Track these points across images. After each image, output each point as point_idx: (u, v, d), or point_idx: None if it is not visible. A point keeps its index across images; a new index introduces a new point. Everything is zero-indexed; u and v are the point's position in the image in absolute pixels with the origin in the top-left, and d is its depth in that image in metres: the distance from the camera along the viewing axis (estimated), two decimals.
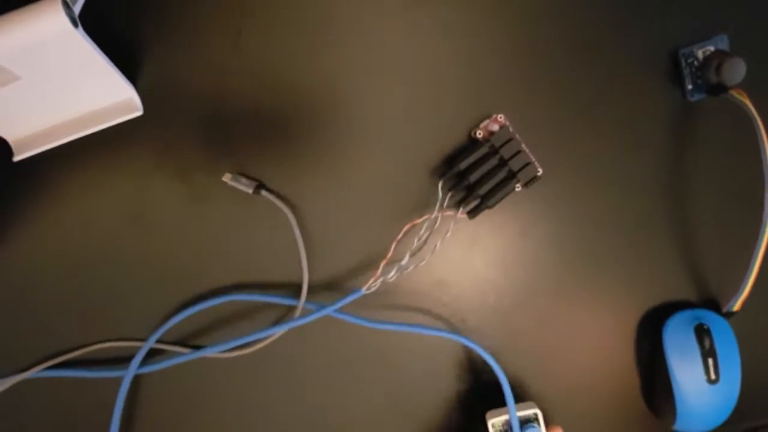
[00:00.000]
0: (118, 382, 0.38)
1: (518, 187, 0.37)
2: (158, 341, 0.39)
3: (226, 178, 0.37)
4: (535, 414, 0.37)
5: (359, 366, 0.40)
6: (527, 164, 0.37)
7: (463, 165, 0.36)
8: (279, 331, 0.38)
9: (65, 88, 0.35)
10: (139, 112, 0.37)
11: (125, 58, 0.36)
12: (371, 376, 0.40)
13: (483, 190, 0.36)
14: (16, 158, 0.37)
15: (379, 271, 0.36)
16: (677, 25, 0.38)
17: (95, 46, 0.32)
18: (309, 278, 0.38)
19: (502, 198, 0.36)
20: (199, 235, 0.38)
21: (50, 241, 0.38)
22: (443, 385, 0.40)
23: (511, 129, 0.37)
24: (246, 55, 0.37)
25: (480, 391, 0.40)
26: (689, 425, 0.39)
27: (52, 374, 0.39)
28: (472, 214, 0.37)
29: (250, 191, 0.37)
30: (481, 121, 0.37)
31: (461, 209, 0.37)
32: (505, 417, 0.37)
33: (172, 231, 0.38)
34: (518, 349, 0.40)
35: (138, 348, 0.38)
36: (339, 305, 0.36)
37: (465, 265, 0.39)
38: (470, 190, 0.36)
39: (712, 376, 0.38)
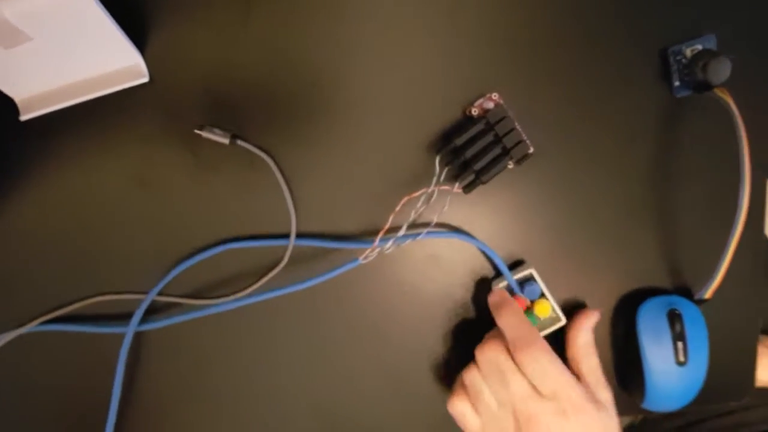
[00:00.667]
0: (119, 336, 0.39)
1: (510, 164, 0.38)
2: (159, 294, 0.40)
3: (199, 130, 0.37)
4: (531, 273, 0.40)
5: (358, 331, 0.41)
6: (520, 142, 0.38)
7: (459, 141, 0.37)
8: (286, 292, 0.39)
9: (74, 52, 0.35)
10: (146, 79, 0.38)
11: (134, 25, 0.37)
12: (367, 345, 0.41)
13: (478, 165, 0.37)
14: (23, 118, 0.37)
15: (377, 241, 0.37)
16: (668, 23, 0.39)
17: (105, 11, 0.33)
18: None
19: (496, 173, 0.38)
20: (203, 200, 0.39)
21: (54, 200, 0.39)
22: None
23: (505, 106, 0.38)
24: (253, 27, 0.38)
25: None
26: (657, 404, 0.41)
27: (51, 328, 0.40)
28: (468, 188, 0.38)
29: (227, 141, 0.37)
30: (476, 99, 0.39)
31: (457, 184, 0.38)
32: (504, 282, 0.39)
33: (175, 195, 0.39)
34: None
35: (137, 300, 0.39)
36: (335, 273, 0.38)
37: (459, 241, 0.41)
38: (466, 165, 0.38)
39: (681, 359, 0.40)
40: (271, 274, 0.40)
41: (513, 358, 0.35)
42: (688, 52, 0.39)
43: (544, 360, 0.34)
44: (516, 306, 0.37)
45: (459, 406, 0.37)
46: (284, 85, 0.38)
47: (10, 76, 0.36)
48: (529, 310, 0.39)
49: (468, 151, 0.37)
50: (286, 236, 0.39)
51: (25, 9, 0.31)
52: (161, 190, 0.39)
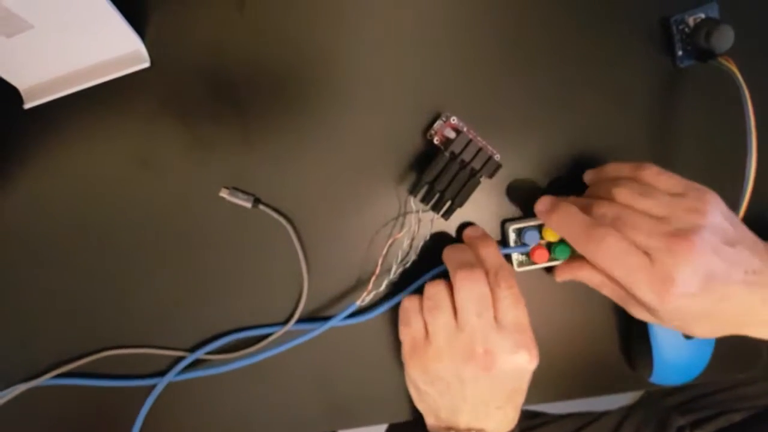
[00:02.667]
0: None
1: (482, 179, 0.38)
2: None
3: (224, 193, 0.39)
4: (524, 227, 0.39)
5: None
6: (488, 159, 0.38)
7: (428, 178, 0.37)
8: (279, 351, 0.40)
9: (76, 39, 0.36)
10: (147, 64, 0.38)
11: (134, 11, 0.37)
12: None
13: (451, 192, 0.38)
14: (27, 106, 0.38)
15: (370, 285, 0.38)
16: None
17: None
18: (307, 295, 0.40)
19: (470, 193, 0.38)
20: (200, 179, 0.39)
21: (58, 186, 0.39)
22: None
23: (465, 129, 0.38)
24: (250, 13, 0.38)
25: None
26: (665, 378, 0.41)
27: (67, 382, 0.41)
28: (447, 215, 0.38)
29: (249, 205, 0.39)
30: (434, 119, 0.39)
31: (436, 215, 0.38)
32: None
33: (175, 175, 0.39)
34: None
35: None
36: (340, 318, 0.39)
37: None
38: (441, 194, 0.38)
39: None
40: (276, 334, 0.41)
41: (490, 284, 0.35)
42: (691, 21, 0.38)
43: (517, 293, 0.35)
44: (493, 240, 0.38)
45: (411, 307, 0.37)
46: (282, 65, 0.38)
47: (12, 65, 0.36)
48: (554, 245, 0.39)
49: (438, 184, 0.37)
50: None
51: None
52: (162, 170, 0.39)
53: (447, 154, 0.37)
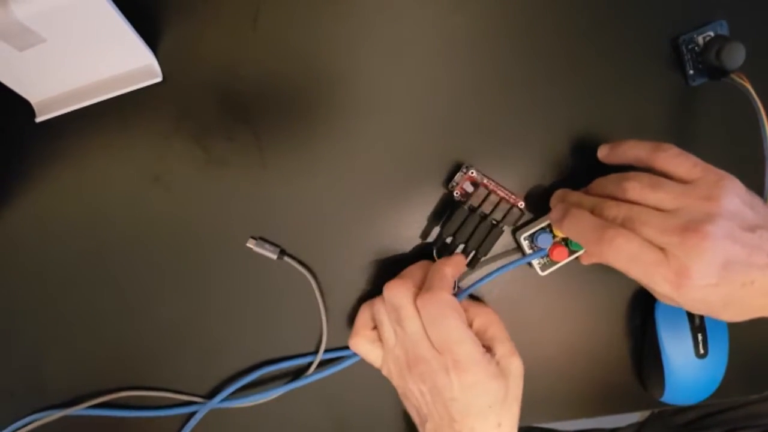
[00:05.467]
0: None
1: (505, 228, 0.38)
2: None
3: (251, 243, 0.39)
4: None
5: None
6: (510, 208, 0.38)
7: (448, 232, 0.38)
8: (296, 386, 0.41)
9: (88, 53, 0.36)
10: (159, 79, 0.38)
11: (147, 26, 0.37)
12: None
13: (473, 243, 0.38)
14: (39, 119, 0.38)
15: None
16: (675, 13, 0.39)
17: (118, 11, 0.33)
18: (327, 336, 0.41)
19: (494, 243, 0.38)
20: (214, 196, 0.39)
21: (70, 200, 0.39)
22: None
23: (484, 182, 0.38)
24: (263, 29, 0.38)
25: None
26: (676, 397, 0.41)
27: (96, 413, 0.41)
28: (471, 265, 0.39)
29: (275, 257, 0.39)
30: (454, 169, 0.39)
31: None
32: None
33: (189, 193, 0.39)
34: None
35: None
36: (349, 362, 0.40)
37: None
38: (464, 246, 0.38)
39: (701, 351, 0.39)
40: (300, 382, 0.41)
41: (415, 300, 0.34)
42: (701, 40, 0.38)
43: (446, 309, 0.33)
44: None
45: (362, 343, 0.37)
46: (294, 83, 0.39)
47: (25, 78, 0.37)
48: (567, 240, 0.38)
49: (460, 237, 0.38)
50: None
51: (38, 10, 0.31)
52: (175, 187, 0.39)
53: (467, 207, 0.37)
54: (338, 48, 0.38)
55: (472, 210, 0.38)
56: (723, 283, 0.29)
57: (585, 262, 0.39)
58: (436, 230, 0.40)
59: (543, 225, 0.39)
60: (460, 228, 0.37)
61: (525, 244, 0.39)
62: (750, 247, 0.29)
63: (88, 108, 0.38)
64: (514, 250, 0.41)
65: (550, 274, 0.39)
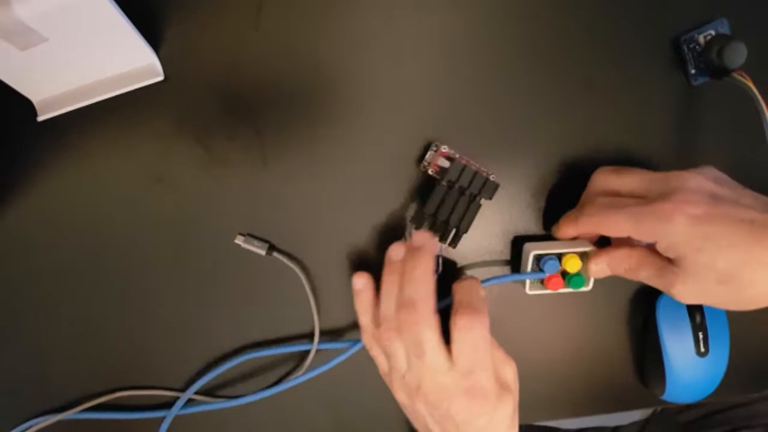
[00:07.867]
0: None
1: (482, 202, 0.38)
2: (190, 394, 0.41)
3: (239, 240, 0.39)
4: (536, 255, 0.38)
5: None
6: (486, 181, 0.38)
7: (429, 210, 0.38)
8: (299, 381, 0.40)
9: (90, 52, 0.36)
10: (160, 78, 0.38)
11: (148, 25, 0.37)
12: None
13: (454, 220, 0.38)
14: (40, 118, 0.38)
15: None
16: (676, 12, 0.38)
17: (120, 10, 0.33)
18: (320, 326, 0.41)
19: (473, 218, 0.38)
20: (216, 195, 0.39)
21: (71, 199, 0.39)
22: None
23: (457, 156, 0.38)
24: (265, 28, 0.38)
25: None
26: (677, 396, 0.41)
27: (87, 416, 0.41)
28: (454, 243, 0.39)
29: (263, 253, 0.39)
30: (425, 151, 0.39)
31: (443, 245, 0.38)
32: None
33: (191, 192, 0.39)
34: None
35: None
36: (348, 354, 0.39)
37: None
38: (445, 224, 0.38)
39: (702, 350, 0.40)
40: (295, 381, 0.41)
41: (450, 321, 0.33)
42: (702, 39, 0.38)
43: (479, 333, 0.32)
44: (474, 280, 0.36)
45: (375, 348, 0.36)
46: (294, 81, 0.38)
47: (26, 77, 0.37)
48: (569, 276, 0.38)
49: (441, 214, 0.37)
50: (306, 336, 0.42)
51: (39, 9, 0.31)
52: (176, 187, 0.39)
53: (444, 183, 0.37)
54: (340, 47, 0.38)
55: (450, 185, 0.38)
56: (710, 213, 0.31)
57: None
58: (415, 211, 0.39)
59: (557, 251, 0.38)
60: (440, 205, 0.37)
61: (530, 261, 0.38)
62: (729, 201, 0.31)
63: (90, 107, 0.38)
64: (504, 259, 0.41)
65: (535, 296, 0.39)
